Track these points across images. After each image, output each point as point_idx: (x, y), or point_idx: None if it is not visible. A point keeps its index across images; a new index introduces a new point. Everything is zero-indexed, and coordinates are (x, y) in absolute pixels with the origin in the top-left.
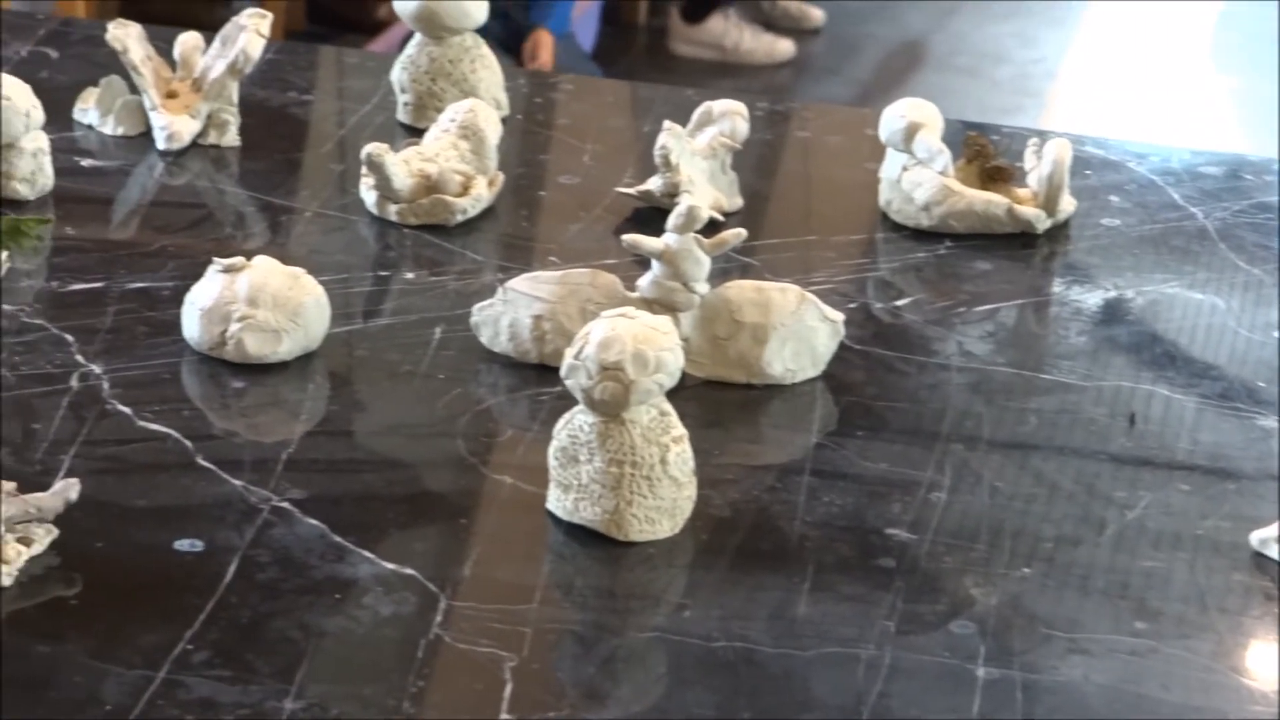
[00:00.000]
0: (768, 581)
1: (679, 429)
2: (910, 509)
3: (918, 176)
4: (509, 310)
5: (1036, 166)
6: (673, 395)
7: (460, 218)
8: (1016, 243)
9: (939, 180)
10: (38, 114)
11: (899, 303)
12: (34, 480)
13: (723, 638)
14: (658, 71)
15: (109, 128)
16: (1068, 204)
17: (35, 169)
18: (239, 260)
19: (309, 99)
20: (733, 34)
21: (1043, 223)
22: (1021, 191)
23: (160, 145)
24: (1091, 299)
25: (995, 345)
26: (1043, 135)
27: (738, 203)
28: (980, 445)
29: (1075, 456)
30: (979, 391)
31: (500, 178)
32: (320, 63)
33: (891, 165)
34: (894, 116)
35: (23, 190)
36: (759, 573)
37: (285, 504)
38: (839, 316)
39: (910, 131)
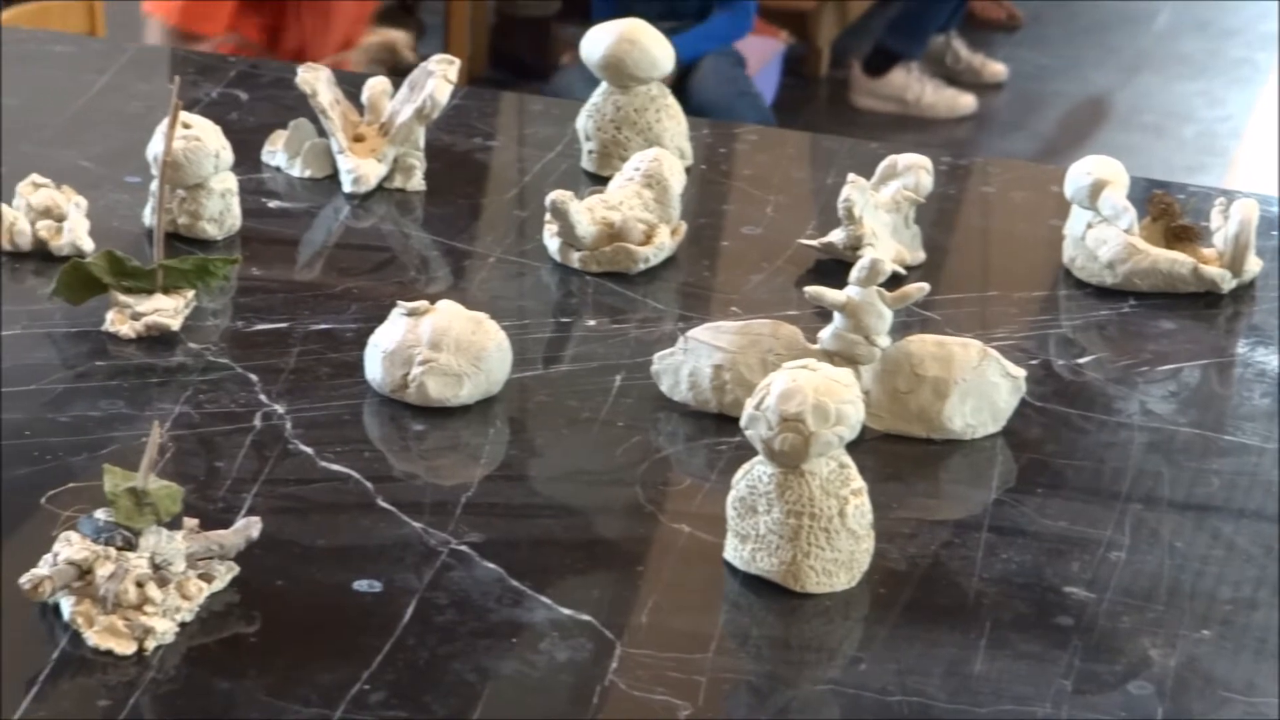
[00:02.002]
0: (944, 637)
1: (858, 482)
2: (1089, 567)
3: (1102, 234)
4: (689, 359)
5: (1223, 226)
6: (852, 448)
7: (642, 266)
8: (1200, 302)
9: (1124, 238)
10: (227, 155)
11: (1081, 360)
12: (216, 517)
13: (898, 692)
14: (838, 124)
15: (296, 170)
16: (1253, 264)
17: (223, 209)
18: (423, 304)
19: (493, 145)
20: (915, 88)
21: (1228, 283)
22: (1207, 251)
23: (346, 188)
24: (1275, 361)
25: (1177, 405)
26: (1229, 195)
27: (920, 257)
28: (1160, 505)
29: (1255, 518)
30: (1160, 451)
31: (683, 227)
32: (504, 109)
33: (1076, 222)
34: (1079, 173)
35: (211, 230)
36: (935, 628)
37: (464, 547)
38: (1020, 372)
39: (1096, 188)
